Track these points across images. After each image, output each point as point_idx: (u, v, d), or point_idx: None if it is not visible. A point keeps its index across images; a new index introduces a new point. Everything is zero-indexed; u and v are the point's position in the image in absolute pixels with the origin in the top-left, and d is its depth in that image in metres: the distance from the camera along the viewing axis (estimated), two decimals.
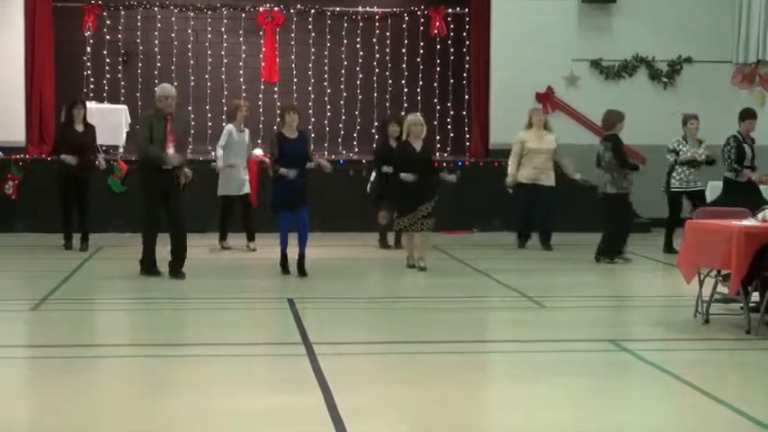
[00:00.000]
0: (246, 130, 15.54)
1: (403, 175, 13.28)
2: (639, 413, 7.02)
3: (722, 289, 10.04)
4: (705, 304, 10.05)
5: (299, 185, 12.73)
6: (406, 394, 7.42)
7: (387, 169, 14.26)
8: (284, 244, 12.92)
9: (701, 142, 15.60)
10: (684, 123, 15.69)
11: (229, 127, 15.43)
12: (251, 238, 15.42)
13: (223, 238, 15.53)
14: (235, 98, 17.80)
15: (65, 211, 15.26)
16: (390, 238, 15.76)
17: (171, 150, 12.32)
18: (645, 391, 7.60)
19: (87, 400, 7.14)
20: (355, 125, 20.72)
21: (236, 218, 15.50)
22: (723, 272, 9.91)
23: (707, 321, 10.01)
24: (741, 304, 9.86)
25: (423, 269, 13.41)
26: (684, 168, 15.47)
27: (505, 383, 7.98)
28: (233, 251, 15.24)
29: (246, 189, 15.38)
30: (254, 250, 15.25)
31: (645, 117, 18.54)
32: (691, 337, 9.68)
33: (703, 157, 15.48)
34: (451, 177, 13.60)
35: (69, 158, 14.87)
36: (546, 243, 15.75)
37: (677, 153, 15.50)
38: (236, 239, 15.40)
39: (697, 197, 15.48)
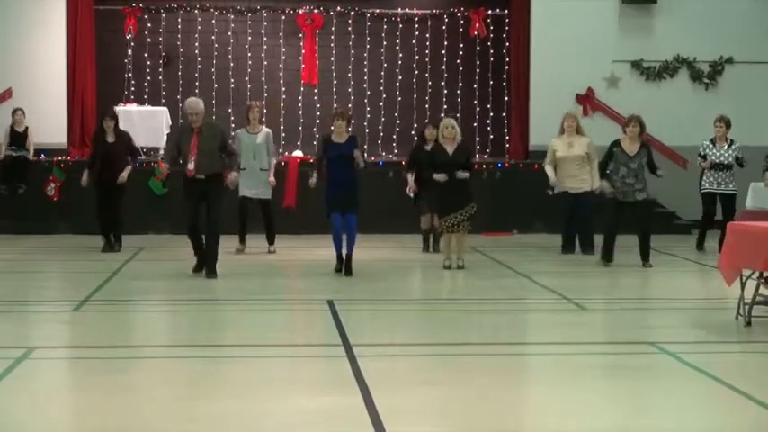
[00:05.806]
0: (263, 132, 15.10)
1: (435, 176, 13.50)
2: (680, 416, 6.96)
3: (764, 291, 9.95)
4: (747, 306, 9.96)
5: (346, 187, 12.96)
6: (445, 396, 7.40)
7: (438, 176, 13.93)
8: (337, 245, 13.10)
9: (729, 144, 15.44)
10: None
11: (238, 130, 15.38)
12: (270, 241, 15.35)
13: (240, 240, 15.18)
14: (275, 100, 17.85)
15: (99, 218, 15.33)
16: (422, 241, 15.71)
17: (191, 164, 12.61)
18: (685, 393, 7.54)
19: (128, 401, 7.17)
20: (395, 127, 20.74)
21: (256, 220, 15.22)
22: (765, 274, 9.84)
23: (749, 324, 9.92)
24: None
25: (461, 267, 13.56)
26: (713, 170, 15.38)
27: (545, 386, 7.95)
28: (278, 254, 15.32)
29: (263, 194, 15.10)
30: (272, 252, 15.25)
31: (686, 118, 18.45)
32: (732, 340, 9.60)
33: (730, 159, 15.34)
34: (463, 174, 13.54)
35: (84, 179, 15.21)
36: (587, 248, 15.45)
37: (704, 157, 15.41)
38: (257, 241, 15.32)
39: (726, 199, 15.40)
